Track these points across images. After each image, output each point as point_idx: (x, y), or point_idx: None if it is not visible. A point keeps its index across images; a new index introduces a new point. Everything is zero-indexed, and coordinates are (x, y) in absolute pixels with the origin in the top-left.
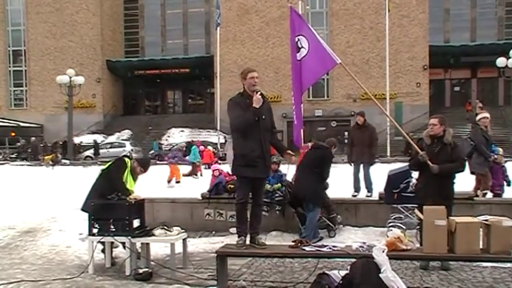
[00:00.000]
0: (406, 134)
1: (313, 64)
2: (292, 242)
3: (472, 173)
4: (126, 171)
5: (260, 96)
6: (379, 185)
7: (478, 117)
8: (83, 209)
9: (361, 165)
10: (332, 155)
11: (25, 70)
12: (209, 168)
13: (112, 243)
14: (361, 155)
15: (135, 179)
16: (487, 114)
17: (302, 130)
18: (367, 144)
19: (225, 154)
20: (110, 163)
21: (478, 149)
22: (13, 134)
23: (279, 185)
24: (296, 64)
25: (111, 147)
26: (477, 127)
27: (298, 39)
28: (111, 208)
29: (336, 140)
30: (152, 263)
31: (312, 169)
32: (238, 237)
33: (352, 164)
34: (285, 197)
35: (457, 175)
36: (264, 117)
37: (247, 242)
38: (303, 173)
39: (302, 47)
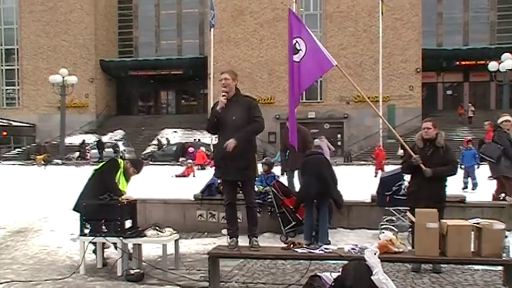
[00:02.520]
0: (400, 137)
1: (310, 66)
2: (285, 243)
3: (495, 177)
4: (119, 172)
5: (223, 98)
6: (371, 187)
7: (500, 120)
8: (74, 209)
9: (296, 172)
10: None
11: (18, 69)
12: (202, 169)
13: (103, 243)
14: (295, 161)
15: (127, 179)
16: (509, 117)
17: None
18: (300, 148)
19: None
20: (102, 163)
21: (506, 153)
22: (5, 133)
23: (267, 187)
24: (293, 66)
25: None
26: (500, 130)
27: (296, 41)
28: (103, 208)
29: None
30: (144, 264)
31: (321, 168)
32: (230, 238)
33: (286, 172)
34: (276, 199)
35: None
36: (234, 117)
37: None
38: (313, 170)
39: (300, 49)
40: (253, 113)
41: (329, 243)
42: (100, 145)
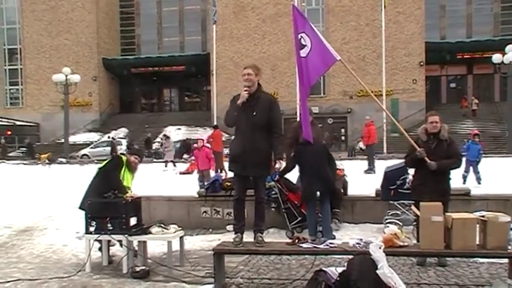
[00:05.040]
0: (405, 130)
1: (315, 61)
2: (290, 238)
3: None
4: (123, 169)
5: (245, 93)
6: (375, 181)
7: None
8: (80, 208)
9: None
10: None
11: (21, 69)
12: None
13: (109, 241)
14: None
15: (132, 171)
16: None
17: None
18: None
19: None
20: (106, 161)
21: None
22: (9, 132)
23: (273, 183)
24: (301, 61)
25: (107, 146)
26: None
27: (301, 37)
28: (107, 206)
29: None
30: (149, 261)
31: (325, 162)
32: (235, 234)
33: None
34: (281, 194)
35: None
36: (254, 113)
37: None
38: (317, 168)
39: (305, 44)
40: (275, 124)
41: (334, 238)
42: (148, 142)
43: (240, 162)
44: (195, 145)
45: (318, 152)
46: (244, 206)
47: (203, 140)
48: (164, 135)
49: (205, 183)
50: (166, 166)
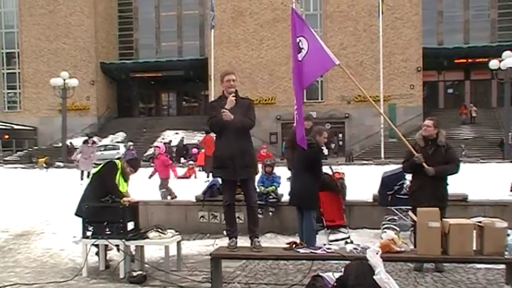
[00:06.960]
0: (402, 135)
1: (312, 64)
2: (287, 244)
3: None
4: (118, 174)
5: (233, 98)
6: (373, 187)
7: None
8: (76, 214)
9: None
10: (320, 148)
11: (19, 72)
12: (203, 170)
13: (106, 246)
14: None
15: (126, 180)
16: None
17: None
18: None
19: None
20: (100, 166)
21: None
22: (7, 136)
23: (273, 187)
24: (298, 65)
25: (105, 150)
26: None
27: (300, 40)
28: (105, 211)
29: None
30: (146, 265)
31: (304, 171)
32: (229, 239)
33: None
34: (279, 199)
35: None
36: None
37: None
38: (295, 176)
39: (302, 47)
40: (250, 114)
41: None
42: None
43: (229, 167)
44: (195, 150)
45: (302, 158)
46: (235, 210)
47: (159, 147)
48: (90, 137)
49: (162, 192)
50: (82, 178)
